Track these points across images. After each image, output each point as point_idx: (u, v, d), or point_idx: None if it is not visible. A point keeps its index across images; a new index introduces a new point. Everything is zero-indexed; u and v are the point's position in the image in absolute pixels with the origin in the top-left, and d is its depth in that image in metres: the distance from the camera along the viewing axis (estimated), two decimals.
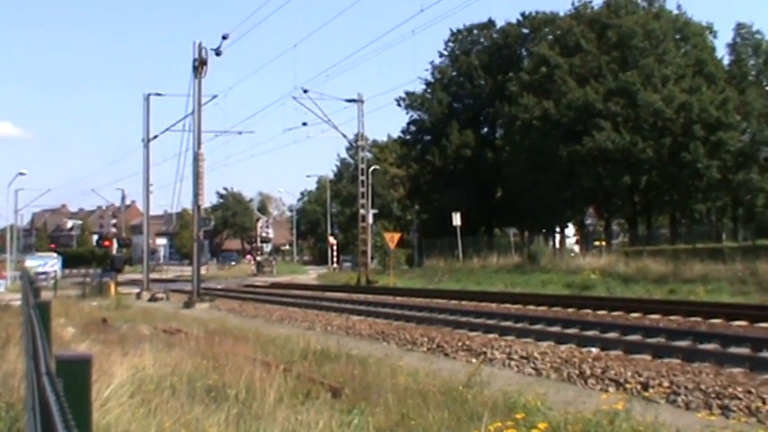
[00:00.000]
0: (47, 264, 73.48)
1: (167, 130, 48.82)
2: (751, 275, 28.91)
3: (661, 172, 55.64)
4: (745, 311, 20.07)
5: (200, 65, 38.01)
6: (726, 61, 61.99)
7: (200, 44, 38.09)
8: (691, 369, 12.06)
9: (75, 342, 15.95)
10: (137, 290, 44.92)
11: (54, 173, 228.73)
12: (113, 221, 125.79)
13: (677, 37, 59.69)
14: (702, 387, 10.51)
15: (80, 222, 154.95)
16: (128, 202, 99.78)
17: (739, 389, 10.16)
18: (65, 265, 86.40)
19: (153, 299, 40.36)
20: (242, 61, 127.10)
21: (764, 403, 9.49)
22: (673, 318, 20.39)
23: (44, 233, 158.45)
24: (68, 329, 19.36)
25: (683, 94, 54.07)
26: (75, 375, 2.68)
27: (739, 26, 62.05)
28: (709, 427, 7.87)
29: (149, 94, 48.39)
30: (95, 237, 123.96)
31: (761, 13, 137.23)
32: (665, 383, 10.98)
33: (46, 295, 20.78)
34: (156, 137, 49.36)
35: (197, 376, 10.77)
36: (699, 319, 19.71)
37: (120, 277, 49.97)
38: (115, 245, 52.51)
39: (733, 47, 62.24)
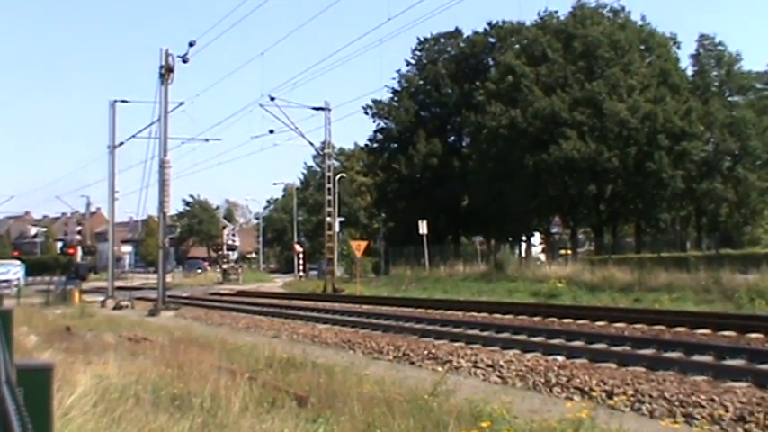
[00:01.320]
0: (9, 271, 72.57)
1: (133, 137, 48.50)
2: (715, 284, 29.15)
3: (626, 181, 56.14)
4: (708, 320, 20.22)
5: (166, 72, 37.81)
6: (689, 72, 62.73)
7: (166, 51, 37.91)
8: (655, 377, 12.13)
9: (37, 350, 15.79)
10: (101, 298, 44.51)
11: (17, 179, 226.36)
12: (78, 229, 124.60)
13: (642, 47, 60.32)
14: (666, 395, 10.58)
15: (44, 229, 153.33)
16: (93, 209, 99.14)
17: (703, 396, 10.23)
18: (28, 272, 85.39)
19: (118, 307, 39.98)
20: (209, 68, 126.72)
21: (727, 411, 9.56)
22: (638, 326, 20.50)
23: (7, 240, 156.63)
24: (31, 338, 19.17)
25: (648, 103, 54.62)
26: (37, 384, 2.64)
27: (702, 37, 62.83)
28: None
29: (115, 101, 48.16)
30: (60, 244, 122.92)
31: (723, 24, 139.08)
32: (630, 391, 11.03)
33: (8, 303, 20.59)
34: (121, 144, 49.09)
35: (162, 385, 10.69)
36: (663, 327, 19.83)
37: (85, 285, 49.55)
38: (80, 252, 52.25)
39: (696, 58, 62.98)
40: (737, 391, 10.64)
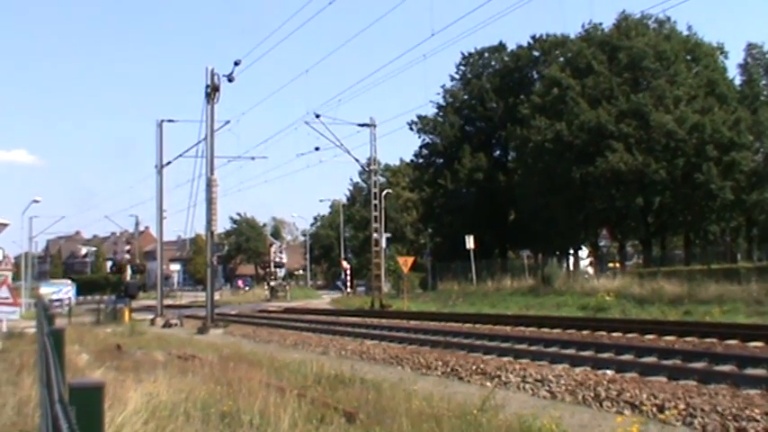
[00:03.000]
0: (61, 291, 73.74)
1: (180, 156, 49.04)
2: (767, 296, 28.75)
3: (674, 193, 55.54)
4: (761, 332, 19.94)
5: (212, 91, 38.17)
6: (737, 81, 62.00)
7: (212, 70, 38.28)
8: (707, 391, 11.98)
9: (89, 369, 15.97)
10: (151, 316, 44.95)
11: (68, 200, 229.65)
12: (127, 248, 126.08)
13: (688, 58, 59.73)
14: (719, 409, 10.44)
15: (94, 249, 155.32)
16: (141, 228, 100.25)
17: (756, 410, 10.09)
18: (79, 291, 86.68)
19: (167, 325, 40.33)
20: (254, 87, 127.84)
21: None
22: (688, 339, 20.28)
23: (58, 260, 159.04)
24: (83, 356, 19.40)
25: (695, 114, 54.03)
26: (88, 402, 2.69)
27: (750, 46, 62.11)
28: None
29: (162, 121, 48.73)
30: (109, 263, 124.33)
31: None
32: (681, 405, 10.91)
33: (60, 322, 20.83)
34: (169, 163, 49.61)
35: (211, 402, 10.76)
36: (714, 340, 19.59)
37: (135, 303, 50.05)
38: (129, 271, 52.69)
39: (744, 67, 62.24)
40: None
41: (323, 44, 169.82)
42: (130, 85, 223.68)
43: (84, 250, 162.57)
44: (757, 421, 9.74)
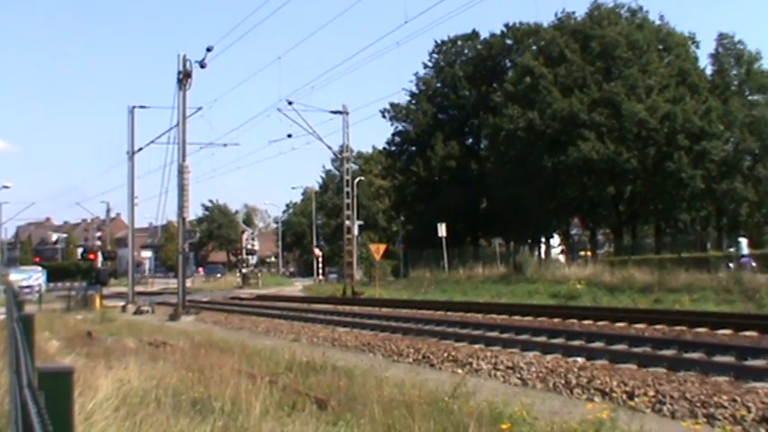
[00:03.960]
0: (31, 277, 73.04)
1: (152, 142, 48.75)
2: (735, 284, 29.01)
3: (645, 182, 55.91)
4: (729, 320, 20.13)
5: (184, 77, 37.93)
6: (708, 71, 62.38)
7: (184, 56, 38.02)
8: (676, 378, 12.08)
9: (59, 355, 15.88)
10: (122, 303, 44.68)
11: (38, 186, 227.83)
12: (98, 234, 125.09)
13: (660, 47, 60.04)
14: (688, 396, 10.53)
15: (65, 235, 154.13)
16: (113, 214, 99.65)
17: (724, 397, 10.18)
18: (49, 278, 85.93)
19: (138, 312, 40.14)
20: (227, 73, 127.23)
21: (749, 411, 9.51)
22: (658, 327, 20.43)
23: (28, 247, 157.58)
24: (53, 343, 19.28)
25: (667, 104, 54.38)
26: (58, 388, 2.66)
27: (721, 36, 62.44)
28: None
29: (134, 107, 48.31)
30: (80, 250, 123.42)
31: (743, 23, 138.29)
32: (651, 392, 10.99)
33: (30, 309, 20.67)
34: (140, 149, 49.26)
35: (182, 389, 10.72)
36: (684, 328, 19.75)
37: (106, 290, 49.71)
38: (100, 258, 52.33)
39: (715, 57, 62.60)
40: (759, 391, 10.57)
41: (296, 31, 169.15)
42: (102, 70, 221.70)
43: (54, 237, 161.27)
44: (725, 408, 9.84)
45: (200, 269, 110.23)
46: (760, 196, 57.33)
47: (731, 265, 34.81)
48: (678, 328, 19.89)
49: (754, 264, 34.28)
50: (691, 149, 54.23)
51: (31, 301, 46.56)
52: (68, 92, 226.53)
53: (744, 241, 37.88)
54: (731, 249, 39.83)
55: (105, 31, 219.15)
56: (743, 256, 36.19)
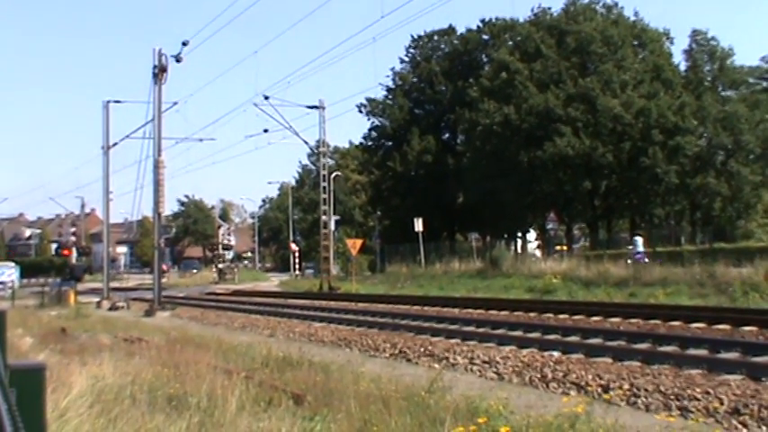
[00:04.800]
0: (4, 273, 72.45)
1: (127, 137, 48.43)
2: (709, 278, 29.22)
3: (621, 177, 56.22)
4: (703, 314, 20.28)
5: (159, 71, 37.75)
6: (682, 67, 62.78)
7: (159, 51, 37.84)
8: (650, 371, 12.16)
9: (32, 352, 15.78)
10: (97, 299, 44.48)
11: (11, 181, 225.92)
12: (72, 230, 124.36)
13: (635, 43, 60.38)
14: (662, 389, 10.60)
15: (38, 231, 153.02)
16: (87, 210, 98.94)
17: (698, 390, 10.26)
18: (23, 274, 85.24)
19: (113, 308, 39.95)
20: (202, 68, 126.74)
21: (722, 404, 9.59)
22: (633, 321, 20.54)
23: (1, 242, 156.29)
24: (26, 340, 19.13)
25: (642, 99, 54.68)
26: (30, 385, 2.64)
27: (695, 32, 62.84)
28: (668, 429, 7.95)
29: (109, 101, 48.06)
30: (54, 245, 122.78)
31: (716, 19, 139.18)
32: (626, 386, 11.06)
33: (3, 305, 20.57)
34: (115, 144, 49.00)
35: (158, 385, 10.68)
36: (658, 321, 19.87)
37: (80, 286, 49.45)
38: (74, 253, 52.12)
39: (689, 53, 63.01)
40: (732, 383, 10.67)
41: (272, 25, 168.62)
42: (77, 64, 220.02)
43: (28, 232, 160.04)
44: (698, 400, 9.91)
45: (165, 266, 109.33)
46: (733, 191, 57.78)
47: (629, 261, 38.21)
48: (652, 321, 20.02)
49: (647, 260, 38.13)
50: (665, 145, 54.56)
51: (4, 298, 46.37)
52: (41, 86, 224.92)
53: (639, 240, 43.06)
54: (629, 247, 43.99)
55: (80, 25, 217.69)
56: (638, 252, 40.55)
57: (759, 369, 11.92)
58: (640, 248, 41.21)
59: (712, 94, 60.08)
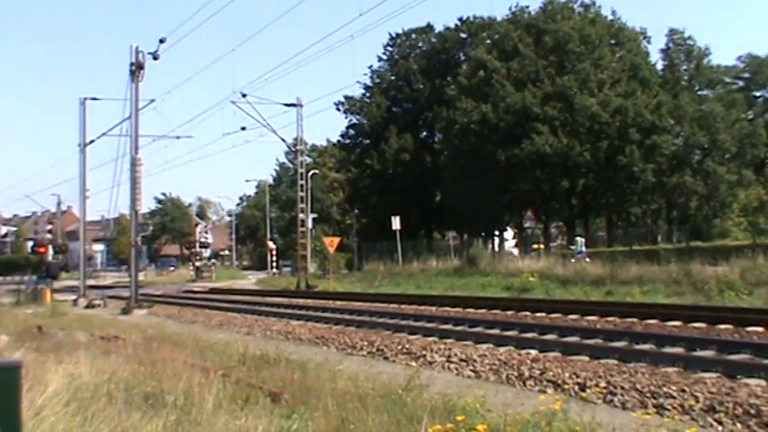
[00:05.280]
0: None
1: (104, 134, 48.12)
2: (685, 276, 29.38)
3: (598, 175, 56.48)
4: (679, 312, 20.38)
5: (137, 69, 37.54)
6: (659, 66, 63.19)
7: (137, 48, 37.63)
8: (627, 369, 12.20)
9: (8, 350, 15.64)
10: (73, 297, 44.21)
11: None
12: (49, 227, 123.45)
13: (612, 42, 60.70)
14: (638, 387, 10.65)
15: (14, 228, 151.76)
16: (64, 207, 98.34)
17: (674, 387, 10.31)
18: None
19: (90, 306, 39.73)
20: (180, 65, 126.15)
21: (698, 401, 9.65)
22: (610, 319, 20.62)
23: None
24: (1, 338, 18.97)
25: (619, 98, 54.97)
26: (5, 383, 2.63)
27: (672, 32, 63.28)
28: (644, 426, 7.98)
29: (85, 98, 47.73)
30: (30, 243, 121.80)
31: (693, 18, 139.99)
32: (602, 384, 11.10)
33: None
34: (92, 141, 48.69)
35: (134, 383, 10.63)
36: (635, 319, 19.95)
37: (57, 284, 49.13)
38: (51, 251, 51.77)
39: (666, 52, 63.45)
40: (707, 381, 10.73)
41: (250, 23, 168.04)
42: (54, 60, 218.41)
43: (3, 230, 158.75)
44: (674, 398, 9.96)
45: (124, 267, 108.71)
46: (709, 190, 58.21)
47: (573, 259, 40.86)
48: (629, 319, 20.10)
49: (588, 259, 40.55)
50: (642, 143, 54.89)
51: None
52: (18, 82, 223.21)
53: (580, 240, 46.27)
54: (572, 247, 47.44)
55: (56, 21, 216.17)
56: (579, 252, 43.72)
57: (734, 367, 12.00)
58: (582, 248, 44.36)
59: (689, 93, 60.53)
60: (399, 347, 16.50)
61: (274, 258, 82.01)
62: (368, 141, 74.66)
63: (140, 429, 7.89)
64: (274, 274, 78.81)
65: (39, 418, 7.64)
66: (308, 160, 71.79)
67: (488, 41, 65.87)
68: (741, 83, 70.04)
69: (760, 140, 60.12)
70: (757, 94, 71.20)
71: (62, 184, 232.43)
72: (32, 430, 7.06)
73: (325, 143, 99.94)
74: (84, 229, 51.09)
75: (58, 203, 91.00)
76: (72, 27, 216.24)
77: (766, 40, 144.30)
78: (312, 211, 59.22)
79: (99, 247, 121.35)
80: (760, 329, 16.90)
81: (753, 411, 9.05)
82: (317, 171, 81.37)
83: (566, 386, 11.47)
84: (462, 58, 71.88)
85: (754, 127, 60.57)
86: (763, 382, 10.85)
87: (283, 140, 54.91)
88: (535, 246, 55.71)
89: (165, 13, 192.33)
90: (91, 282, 58.61)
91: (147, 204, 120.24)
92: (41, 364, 11.85)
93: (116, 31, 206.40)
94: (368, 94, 75.96)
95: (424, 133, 75.27)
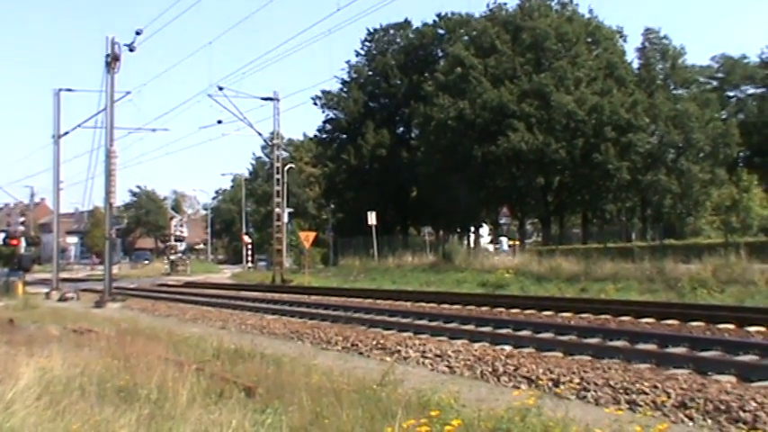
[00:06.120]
0: None
1: (79, 126, 47.74)
2: (658, 274, 29.57)
3: (573, 172, 56.70)
4: (652, 309, 20.50)
5: (112, 60, 37.30)
6: (635, 65, 63.50)
7: (112, 39, 37.38)
8: (600, 365, 12.26)
9: None
10: (46, 290, 43.90)
11: None
12: (21, 219, 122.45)
13: (589, 40, 60.91)
14: (611, 383, 10.71)
15: None
16: (37, 199, 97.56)
17: (646, 384, 10.38)
18: None
19: (63, 299, 39.49)
20: (156, 58, 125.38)
21: (669, 397, 9.72)
22: (584, 316, 20.71)
23: None
24: None
25: (595, 96, 55.18)
26: None
27: (648, 31, 63.64)
28: (617, 422, 8.01)
29: (60, 90, 47.36)
30: (2, 235, 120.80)
31: (669, 18, 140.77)
32: (576, 380, 11.15)
33: None
34: (67, 133, 48.34)
35: (107, 377, 10.57)
36: (608, 316, 20.06)
37: (29, 277, 48.79)
38: (23, 243, 51.27)
39: (642, 51, 63.78)
40: (679, 378, 10.81)
41: (228, 15, 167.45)
42: (27, 51, 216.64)
43: None
44: (647, 394, 10.03)
45: (95, 256, 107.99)
46: (683, 188, 58.59)
47: (497, 258, 43.14)
48: (603, 316, 20.20)
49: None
50: (617, 141, 55.14)
51: None
52: None
53: (504, 240, 49.72)
54: (497, 246, 51.13)
55: (31, 11, 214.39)
56: (504, 251, 46.95)
57: (706, 363, 12.10)
58: (506, 248, 47.38)
59: (664, 92, 60.89)
60: (374, 342, 16.51)
61: (250, 252, 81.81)
62: (344, 136, 74.56)
63: (113, 423, 7.85)
64: (249, 268, 78.61)
65: (9, 412, 7.59)
66: (285, 154, 71.64)
67: (466, 38, 65.93)
68: (715, 83, 70.57)
69: (733, 140, 60.58)
70: (730, 94, 71.80)
71: (36, 176, 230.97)
72: (2, 424, 7.02)
73: (301, 137, 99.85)
74: (58, 221, 50.74)
75: (32, 195, 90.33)
76: (48, 17, 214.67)
77: (740, 41, 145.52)
78: (288, 206, 59.09)
79: (72, 239, 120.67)
80: (731, 327, 17.04)
81: (723, 407, 9.13)
82: (293, 165, 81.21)
83: (540, 382, 11.52)
84: (440, 54, 71.95)
85: (728, 126, 61.00)
86: (733, 379, 10.96)
87: (260, 134, 54.90)
88: (511, 242, 55.87)
89: (142, 4, 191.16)
90: (64, 274, 58.23)
91: (121, 197, 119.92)
92: (12, 357, 11.79)
93: (92, 23, 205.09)
94: (345, 89, 75.90)
95: (401, 129, 75.29)
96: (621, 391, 10.39)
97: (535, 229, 75.49)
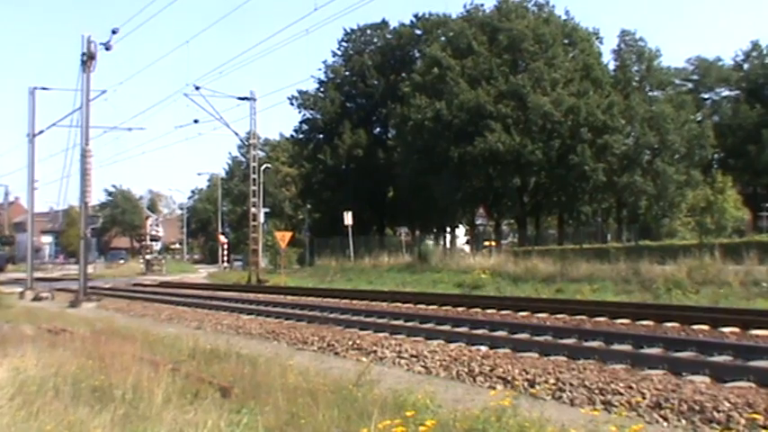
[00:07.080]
0: None
1: (54, 125, 47.51)
2: (634, 275, 29.72)
3: (549, 174, 56.91)
4: (627, 310, 20.58)
5: (88, 59, 37.08)
6: (611, 67, 63.84)
7: (89, 38, 37.15)
8: (576, 366, 12.30)
9: None
10: (20, 289, 43.61)
11: None
12: None
13: (565, 42, 61.18)
14: (587, 383, 10.75)
15: None
16: (11, 198, 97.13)
17: (621, 384, 10.42)
18: None
19: (37, 298, 39.22)
20: (132, 56, 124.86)
21: (644, 398, 9.76)
22: (559, 316, 20.77)
23: None
24: None
25: (571, 97, 55.41)
26: None
27: (624, 33, 64.02)
28: (592, 422, 8.04)
29: (35, 88, 47.04)
30: None
31: (644, 20, 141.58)
32: (552, 380, 11.18)
33: None
34: (41, 132, 48.05)
35: (82, 377, 10.51)
36: (584, 317, 20.12)
37: (3, 276, 48.60)
38: None
39: (618, 53, 64.15)
40: (654, 378, 10.86)
41: (205, 14, 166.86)
42: (1, 49, 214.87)
43: None
44: (622, 394, 10.07)
45: (61, 256, 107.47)
46: (658, 190, 58.94)
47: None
48: (579, 317, 20.26)
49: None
50: (593, 143, 55.41)
51: None
52: None
53: (430, 243, 50.38)
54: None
55: (5, 8, 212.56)
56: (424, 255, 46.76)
57: (680, 364, 12.15)
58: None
59: (640, 93, 61.27)
60: (350, 343, 16.50)
61: (225, 252, 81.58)
62: (321, 136, 74.49)
63: (88, 424, 7.81)
64: (225, 268, 78.43)
65: None
66: (261, 154, 71.59)
67: (443, 39, 66.02)
68: (690, 85, 71.16)
69: (708, 142, 61.12)
70: (705, 96, 72.44)
71: (10, 175, 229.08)
72: None
73: (278, 137, 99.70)
74: (32, 220, 50.44)
75: (6, 194, 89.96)
76: (22, 15, 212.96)
77: (714, 44, 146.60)
78: (264, 206, 59.02)
79: (47, 239, 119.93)
80: (705, 327, 17.14)
81: (697, 408, 9.18)
82: (269, 165, 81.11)
83: (515, 382, 11.54)
84: (417, 54, 72.03)
85: (703, 128, 61.51)
86: (707, 379, 11.02)
87: (236, 134, 54.88)
88: (487, 243, 56.02)
89: (119, 2, 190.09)
90: (38, 274, 57.88)
91: (97, 196, 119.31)
92: None
93: (68, 21, 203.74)
94: (322, 89, 75.83)
95: (378, 129, 75.32)
96: (597, 391, 10.43)
97: (511, 229, 75.67)
